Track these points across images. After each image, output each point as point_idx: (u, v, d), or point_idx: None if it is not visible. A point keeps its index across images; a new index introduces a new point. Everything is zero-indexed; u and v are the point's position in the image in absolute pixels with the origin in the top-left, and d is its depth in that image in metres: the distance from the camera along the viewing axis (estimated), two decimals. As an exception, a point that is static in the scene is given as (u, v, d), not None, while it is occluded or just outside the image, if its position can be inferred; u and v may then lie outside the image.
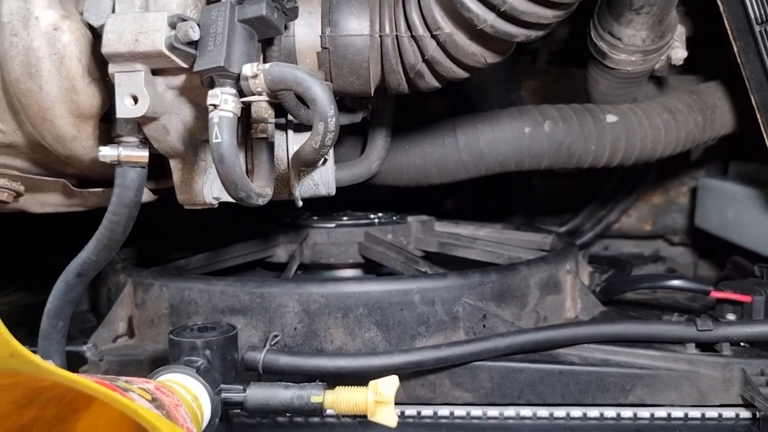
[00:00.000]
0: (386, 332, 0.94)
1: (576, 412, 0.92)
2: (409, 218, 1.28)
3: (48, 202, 0.91)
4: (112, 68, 0.70)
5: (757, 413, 0.89)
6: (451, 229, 1.35)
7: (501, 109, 1.14)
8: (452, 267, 1.33)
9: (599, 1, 1.11)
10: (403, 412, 0.93)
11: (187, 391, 0.74)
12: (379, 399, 0.78)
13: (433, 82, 0.80)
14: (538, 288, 1.05)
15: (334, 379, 0.91)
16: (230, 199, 0.87)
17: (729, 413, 0.91)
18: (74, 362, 0.97)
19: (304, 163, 0.75)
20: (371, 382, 0.80)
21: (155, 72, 0.72)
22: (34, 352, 0.92)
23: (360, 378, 0.91)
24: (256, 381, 0.91)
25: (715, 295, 1.04)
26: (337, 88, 0.81)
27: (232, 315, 0.95)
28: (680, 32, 1.14)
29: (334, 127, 0.67)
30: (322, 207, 1.25)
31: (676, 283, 1.07)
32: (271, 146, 0.83)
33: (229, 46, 0.68)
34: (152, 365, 0.96)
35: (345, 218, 1.27)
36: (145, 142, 0.79)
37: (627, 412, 0.92)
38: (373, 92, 0.82)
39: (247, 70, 0.67)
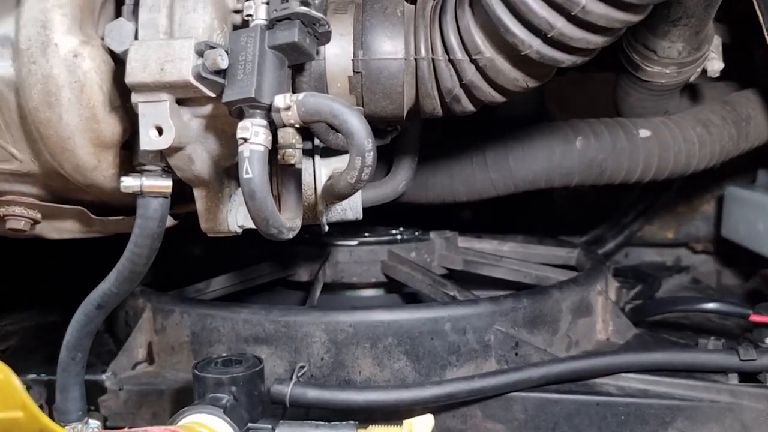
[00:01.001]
0: (416, 362, 0.91)
1: (614, 445, 0.89)
2: (432, 234, 1.25)
3: (65, 228, 0.87)
4: (135, 98, 0.66)
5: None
6: (474, 245, 1.31)
7: (531, 126, 1.10)
8: (476, 285, 1.30)
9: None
10: (433, 444, 0.90)
11: (215, 434, 0.71)
12: (414, 440, 0.75)
13: (470, 107, 0.76)
14: (570, 312, 1.01)
15: (363, 413, 0.88)
16: (254, 226, 0.84)
17: (773, 447, 0.88)
18: (93, 391, 0.94)
19: (338, 197, 0.72)
20: (406, 422, 0.77)
21: (180, 101, 0.68)
22: (53, 382, 0.90)
23: (390, 412, 0.88)
24: (281, 415, 0.88)
25: (755, 319, 1.00)
26: (368, 113, 0.77)
27: (256, 344, 0.91)
28: (717, 43, 1.10)
29: (372, 162, 0.64)
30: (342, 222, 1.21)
31: (712, 306, 1.03)
32: (298, 173, 0.80)
33: (260, 75, 0.64)
34: (174, 396, 0.93)
35: (367, 234, 1.24)
36: (168, 170, 0.76)
37: (667, 445, 0.88)
38: (406, 116, 0.78)
39: (280, 101, 0.63)
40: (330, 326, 0.89)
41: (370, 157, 0.64)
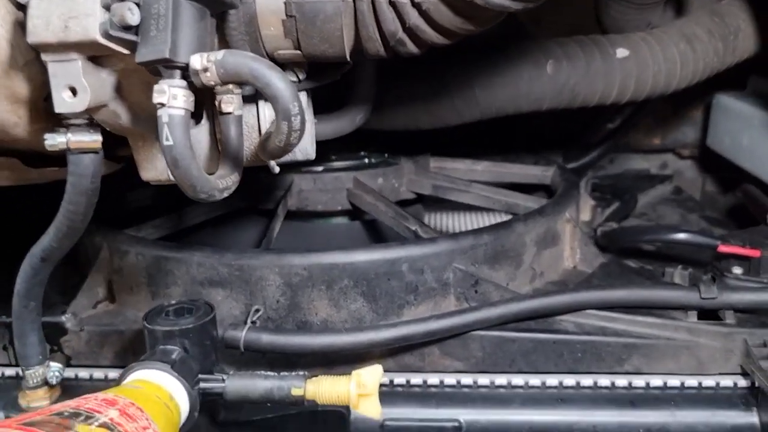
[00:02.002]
0: (373, 303, 0.90)
1: (569, 380, 0.90)
2: (403, 159, 1.20)
3: (2, 176, 0.84)
4: (44, 57, 0.61)
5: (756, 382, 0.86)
6: (447, 165, 1.27)
7: (499, 49, 1.02)
8: (450, 207, 1.28)
9: None
10: (392, 381, 0.91)
11: (161, 392, 0.71)
12: (362, 391, 0.76)
13: (415, 50, 0.70)
14: (535, 244, 0.99)
15: (318, 356, 0.89)
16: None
17: (727, 381, 0.88)
18: (55, 332, 0.94)
19: (271, 158, 0.67)
20: (354, 372, 0.77)
21: (95, 57, 0.63)
22: (9, 324, 0.90)
23: (345, 355, 0.89)
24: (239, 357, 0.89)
25: (723, 249, 0.98)
26: (307, 56, 0.71)
27: (211, 287, 0.90)
28: (704, -49, 1.00)
29: (299, 125, 0.59)
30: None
31: (681, 236, 1.01)
32: (238, 119, 0.74)
33: (175, 31, 0.58)
34: (135, 336, 0.93)
35: (333, 158, 1.20)
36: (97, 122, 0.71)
37: (622, 381, 0.89)
38: (350, 57, 0.72)
39: (196, 62, 0.58)
40: (284, 269, 0.88)
41: (297, 121, 0.59)
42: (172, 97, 0.59)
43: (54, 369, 0.89)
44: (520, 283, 0.99)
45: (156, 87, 0.59)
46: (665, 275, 1.03)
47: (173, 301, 0.82)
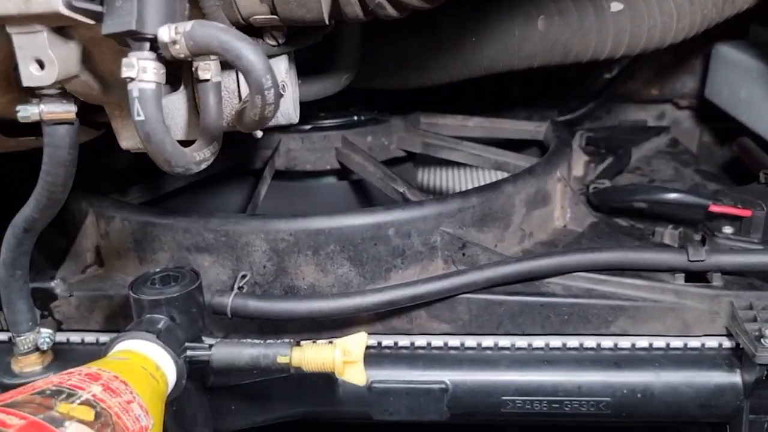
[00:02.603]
0: (360, 267, 0.90)
1: (555, 341, 0.90)
2: (393, 117, 1.18)
3: (-19, 145, 0.83)
4: (8, 29, 0.59)
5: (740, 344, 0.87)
6: (438, 121, 1.25)
7: (490, 4, 0.99)
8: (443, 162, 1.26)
9: None
10: (380, 343, 0.92)
11: (147, 362, 0.72)
12: (347, 359, 0.76)
13: (395, 13, 0.67)
14: (525, 205, 0.98)
15: (306, 321, 0.89)
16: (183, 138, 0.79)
17: (712, 342, 0.89)
18: (45, 298, 0.95)
19: (248, 129, 0.66)
20: (338, 340, 0.77)
21: (62, 28, 0.60)
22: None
23: (334, 320, 0.89)
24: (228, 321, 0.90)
25: (714, 209, 0.98)
26: (285, 20, 0.69)
27: (197, 253, 0.90)
28: None
29: (274, 98, 0.58)
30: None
31: (672, 196, 1.00)
32: (216, 86, 0.73)
33: (141, 1, 0.56)
34: (124, 301, 0.94)
35: (322, 116, 1.18)
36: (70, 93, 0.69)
37: (607, 342, 0.90)
38: (329, 20, 0.70)
39: (164, 34, 0.56)
40: (270, 235, 0.87)
41: (271, 95, 0.58)
42: (141, 71, 0.57)
43: (44, 335, 0.90)
44: (508, 244, 0.98)
45: (124, 61, 0.57)
46: (655, 235, 1.02)
47: (158, 269, 0.82)
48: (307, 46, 0.81)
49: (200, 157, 0.66)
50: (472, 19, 0.98)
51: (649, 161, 1.41)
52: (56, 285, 0.94)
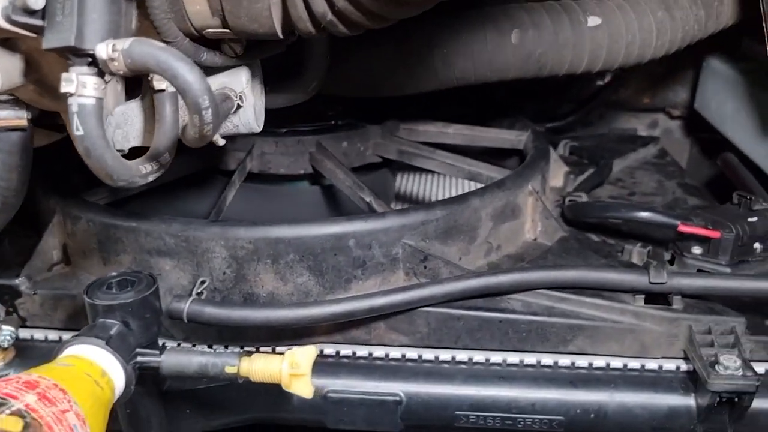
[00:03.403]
0: (320, 277, 0.90)
1: (513, 358, 0.90)
2: (370, 124, 1.17)
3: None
4: (-50, 38, 0.59)
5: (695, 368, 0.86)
6: (418, 127, 1.24)
7: (462, 15, 0.98)
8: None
9: None
10: (338, 352, 0.92)
11: (93, 368, 0.72)
12: (294, 371, 0.76)
13: (347, 31, 0.66)
14: (492, 218, 0.98)
15: (264, 329, 0.90)
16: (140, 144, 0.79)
17: (669, 365, 0.88)
18: (9, 296, 0.96)
19: (191, 145, 0.66)
20: (288, 352, 0.77)
21: (6, 40, 0.61)
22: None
23: (292, 329, 0.89)
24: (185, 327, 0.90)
25: (683, 229, 0.97)
26: (238, 34, 0.69)
27: (159, 257, 0.90)
28: None
29: (211, 119, 0.58)
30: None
31: (642, 215, 0.99)
32: (173, 96, 0.72)
33: (81, 16, 0.56)
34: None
35: (299, 120, 1.17)
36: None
37: (565, 360, 0.90)
38: (284, 35, 0.69)
39: (102, 51, 0.56)
40: (229, 242, 0.88)
41: (208, 115, 0.57)
42: (81, 86, 0.57)
43: (5, 332, 0.91)
44: (474, 257, 0.98)
45: (64, 75, 0.57)
46: (624, 252, 1.02)
47: (115, 273, 0.82)
48: (271, 56, 0.80)
49: (146, 170, 0.66)
50: (441, 30, 0.97)
51: (632, 173, 1.39)
52: (21, 282, 0.95)
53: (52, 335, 0.96)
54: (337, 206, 1.15)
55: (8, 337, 0.91)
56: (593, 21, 0.98)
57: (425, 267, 0.92)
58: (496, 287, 0.90)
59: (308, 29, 0.66)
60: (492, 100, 1.48)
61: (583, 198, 1.14)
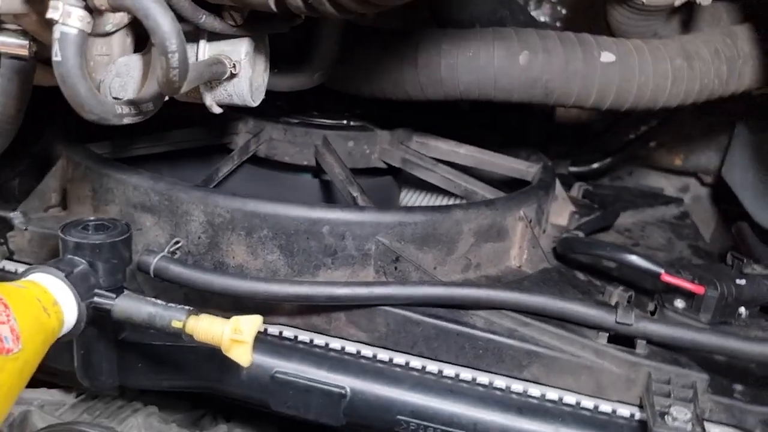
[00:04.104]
0: (289, 258, 0.91)
1: (466, 374, 0.89)
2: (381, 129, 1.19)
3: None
4: (-37, -42, 0.64)
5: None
6: (430, 142, 1.25)
7: (474, 30, 0.99)
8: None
9: None
10: (296, 336, 0.93)
11: (45, 296, 0.75)
12: (236, 337, 0.77)
13: (335, 12, 0.68)
14: (474, 235, 0.97)
15: (230, 300, 0.91)
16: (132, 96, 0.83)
17: (624, 411, 0.85)
18: (2, 228, 1.00)
19: (164, 92, 0.68)
20: (234, 318, 0.78)
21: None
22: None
23: (256, 305, 0.90)
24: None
25: (666, 279, 0.94)
26: (234, 1, 0.72)
27: (142, 212, 0.93)
28: (716, -36, 0.93)
29: (179, 63, 0.60)
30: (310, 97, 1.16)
31: (627, 257, 0.96)
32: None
33: (77, -50, 0.60)
34: (70, 243, 0.98)
35: (314, 113, 1.20)
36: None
37: (518, 386, 0.88)
38: (277, 8, 0.72)
39: (88, -17, 0.59)
40: (208, 208, 0.90)
41: (175, 59, 0.60)
42: (65, 15, 0.61)
43: (-8, 259, 0.95)
44: (450, 269, 0.97)
45: (51, 3, 0.61)
46: (605, 293, 0.99)
47: (93, 218, 0.86)
48: (273, 33, 0.83)
49: (122, 111, 0.69)
50: (451, 40, 0.98)
51: (644, 227, 1.36)
52: (15, 216, 1.00)
53: (34, 272, 1.00)
54: (331, 202, 1.17)
55: (-9, 263, 0.95)
56: (607, 57, 0.98)
57: (396, 268, 0.92)
58: (460, 299, 0.89)
59: (297, 5, 0.69)
60: (517, 133, 1.48)
61: (579, 236, 1.12)
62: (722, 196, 1.55)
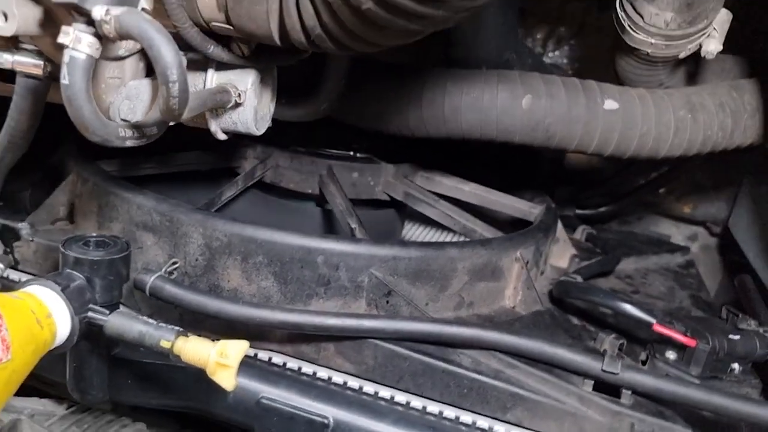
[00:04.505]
0: (283, 285, 0.92)
1: (450, 412, 0.89)
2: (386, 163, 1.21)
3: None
4: (-15, -19, 0.67)
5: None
6: (435, 178, 1.27)
7: (480, 71, 1.01)
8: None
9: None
10: (285, 363, 0.93)
11: (40, 308, 0.77)
12: (221, 360, 0.78)
13: (335, 49, 0.71)
14: (468, 273, 0.98)
15: (223, 324, 0.92)
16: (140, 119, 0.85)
17: (606, 461, 0.85)
18: (10, 237, 1.03)
19: (165, 118, 0.71)
20: (221, 342, 0.80)
21: (33, -8, 0.68)
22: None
23: (248, 330, 0.91)
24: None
25: (658, 329, 0.93)
26: (239, 32, 0.74)
27: (144, 231, 0.96)
28: (723, 20, 0.95)
29: (178, 93, 0.62)
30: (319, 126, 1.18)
31: (620, 305, 0.96)
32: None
33: (89, -20, 0.63)
34: (73, 257, 1.00)
35: (323, 143, 1.22)
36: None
37: (500, 428, 0.87)
38: (281, 42, 0.74)
39: (97, 13, 0.62)
40: (207, 231, 0.92)
41: (175, 89, 0.62)
42: (75, 40, 0.63)
43: (-5, 267, 0.97)
44: (442, 306, 0.98)
45: (63, 27, 0.63)
46: (597, 340, 0.99)
47: (95, 234, 0.88)
48: (281, 66, 0.86)
49: (125, 134, 0.71)
50: (456, 80, 1.00)
51: (646, 274, 1.36)
52: (23, 227, 1.02)
53: (36, 282, 1.02)
54: (332, 233, 1.18)
55: (-5, 272, 0.97)
56: (610, 104, 0.99)
57: (387, 302, 0.93)
58: (448, 337, 0.89)
59: (300, 40, 0.71)
60: (525, 173, 1.49)
61: (577, 280, 1.12)
62: (730, 247, 1.54)
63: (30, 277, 1.01)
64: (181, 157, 1.17)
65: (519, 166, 1.50)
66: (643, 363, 0.97)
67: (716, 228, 1.62)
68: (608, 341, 0.98)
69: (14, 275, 1.03)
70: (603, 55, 1.23)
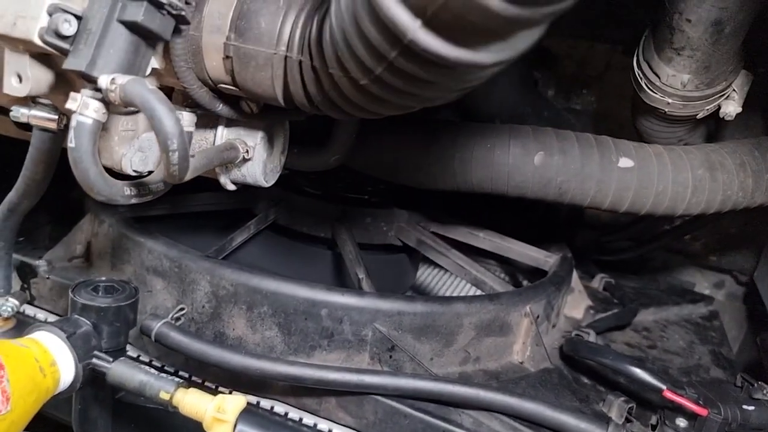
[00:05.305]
0: (287, 336, 0.92)
1: (448, 474, 0.88)
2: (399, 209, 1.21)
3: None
4: (2, 43, 0.69)
5: None
6: (450, 224, 1.26)
7: (492, 126, 1.00)
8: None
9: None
10: (287, 413, 0.94)
11: (44, 355, 0.78)
12: (218, 416, 0.79)
13: (335, 115, 0.71)
14: (475, 328, 0.97)
15: (226, 372, 0.93)
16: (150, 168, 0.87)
17: None
18: (27, 274, 1.06)
19: (168, 180, 0.72)
20: (219, 396, 0.80)
21: (45, 54, 0.70)
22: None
23: (250, 379, 0.92)
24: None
25: (668, 396, 0.91)
26: (246, 94, 0.75)
27: (154, 275, 0.97)
28: (742, 82, 0.92)
29: (178, 161, 0.63)
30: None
31: (630, 369, 0.94)
32: (187, 136, 0.80)
33: (98, 48, 0.65)
34: (86, 296, 1.02)
35: (339, 185, 1.23)
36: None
37: (499, 493, 0.86)
38: (286, 104, 0.75)
39: (103, 81, 0.63)
40: (214, 279, 0.93)
41: (175, 157, 0.63)
42: (83, 106, 0.65)
43: (9, 304, 1.00)
44: (447, 361, 0.97)
45: (72, 94, 0.65)
46: (605, 402, 0.97)
47: (105, 278, 0.90)
48: (295, 121, 0.87)
49: (131, 192, 0.72)
50: (467, 134, 1.00)
51: (665, 327, 1.33)
52: (40, 264, 1.05)
53: (52, 318, 1.04)
54: (342, 278, 1.18)
55: (9, 309, 0.99)
56: (625, 162, 0.97)
57: (390, 357, 0.93)
58: (448, 396, 0.88)
59: (304, 104, 0.72)
60: (545, 219, 1.47)
61: (590, 336, 1.10)
62: (756, 298, 1.49)
63: (42, 318, 1.04)
64: (194, 198, 1.19)
65: (538, 212, 1.49)
66: (654, 427, 0.94)
67: (743, 277, 1.58)
68: (617, 405, 0.96)
69: (30, 310, 1.05)
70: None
